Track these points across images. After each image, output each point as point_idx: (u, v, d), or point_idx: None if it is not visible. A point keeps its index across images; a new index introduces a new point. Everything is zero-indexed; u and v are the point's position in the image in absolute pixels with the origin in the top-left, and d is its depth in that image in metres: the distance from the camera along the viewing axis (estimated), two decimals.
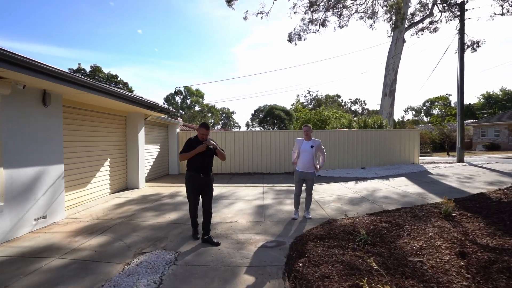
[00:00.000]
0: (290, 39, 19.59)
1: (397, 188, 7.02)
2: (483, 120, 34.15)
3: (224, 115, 67.87)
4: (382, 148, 11.03)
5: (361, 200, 5.95)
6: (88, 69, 29.48)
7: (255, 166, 10.84)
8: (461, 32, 11.68)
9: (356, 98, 64.47)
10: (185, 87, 61.33)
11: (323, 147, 4.77)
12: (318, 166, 4.66)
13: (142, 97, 6.84)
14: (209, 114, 63.18)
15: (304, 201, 4.91)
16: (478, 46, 16.17)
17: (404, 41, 15.67)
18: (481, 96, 55.82)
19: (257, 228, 4.25)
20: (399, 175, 8.98)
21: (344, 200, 5.96)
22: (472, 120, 38.70)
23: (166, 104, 59.00)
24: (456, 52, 16.02)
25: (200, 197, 3.86)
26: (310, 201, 4.82)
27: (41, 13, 60.21)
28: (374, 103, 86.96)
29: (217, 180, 8.93)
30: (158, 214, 5.03)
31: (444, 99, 52.33)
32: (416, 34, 18.71)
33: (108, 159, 6.69)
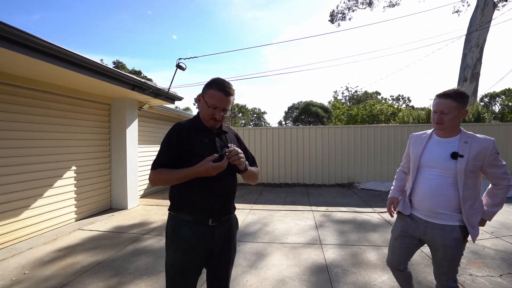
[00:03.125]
0: (333, 19, 16.40)
1: None
2: None
3: (255, 115, 65.89)
4: None
5: None
6: (111, 66, 28.90)
7: (294, 174, 7.98)
8: None
9: (399, 95, 58.07)
10: None
11: (503, 164, 1.53)
12: (485, 210, 1.58)
13: (130, 76, 4.43)
14: (239, 114, 61.58)
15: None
16: None
17: (495, 5, 11.65)
18: None
19: None
20: None
21: None
22: None
23: (196, 105, 58.77)
24: None
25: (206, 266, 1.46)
26: None
27: (84, 23, 63.46)
28: (419, 100, 78.07)
29: (240, 196, 6.24)
30: (112, 287, 2.46)
31: None
32: (495, 5, 14.16)
33: (74, 167, 4.35)
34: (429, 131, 1.72)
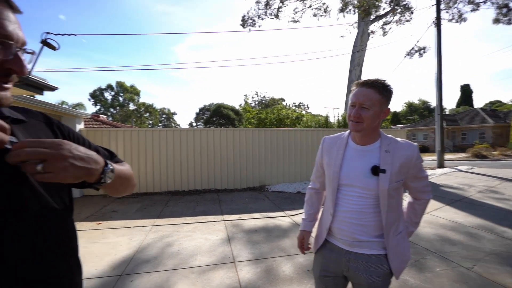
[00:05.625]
0: (244, 23, 16.75)
1: (433, 214, 4.62)
2: (414, 124, 37.45)
3: (164, 116, 61.67)
4: None
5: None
6: None
7: (204, 179, 7.43)
8: (438, 27, 10.50)
9: (300, 102, 65.96)
10: (117, 82, 53.58)
11: (426, 175, 1.28)
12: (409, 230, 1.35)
13: None
14: (146, 114, 56.21)
15: None
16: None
17: (369, 34, 14.36)
18: (405, 105, 63.32)
19: None
20: None
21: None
22: (401, 125, 42.56)
23: (92, 101, 50.07)
24: (416, 53, 15.46)
25: None
26: None
27: None
28: (316, 108, 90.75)
29: (141, 210, 5.26)
30: None
31: None
32: (382, 27, 17.44)
33: None
34: (345, 134, 1.32)
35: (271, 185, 7.62)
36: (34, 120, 0.69)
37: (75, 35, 4.64)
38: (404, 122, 52.51)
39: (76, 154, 0.54)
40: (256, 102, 49.53)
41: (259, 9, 16.72)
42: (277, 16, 18.37)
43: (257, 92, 49.26)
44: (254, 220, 4.61)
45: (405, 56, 16.05)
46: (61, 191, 0.66)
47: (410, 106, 62.67)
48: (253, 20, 16.72)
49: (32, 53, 0.58)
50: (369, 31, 14.74)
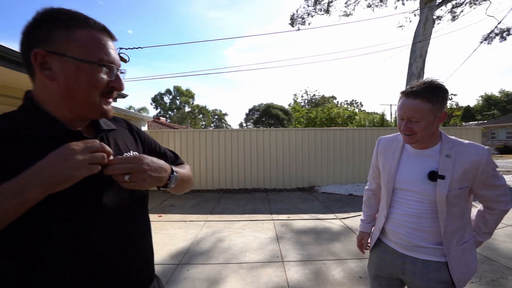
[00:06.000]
0: (293, 22, 16.53)
1: None
2: (494, 121, 32.18)
3: (216, 117, 65.02)
4: None
5: None
6: None
7: (254, 179, 7.60)
8: None
9: (352, 100, 62.37)
10: (174, 87, 58.28)
11: (502, 183, 1.08)
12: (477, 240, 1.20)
13: None
14: (200, 116, 60.05)
15: None
16: None
17: (435, 20, 12.82)
18: (480, 98, 54.60)
19: None
20: None
21: None
22: (476, 122, 36.97)
23: (153, 105, 55.73)
24: (497, 37, 13.22)
25: None
26: None
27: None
28: (371, 105, 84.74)
29: (196, 206, 5.65)
30: None
31: None
32: (451, 11, 15.15)
33: None
34: (393, 135, 1.29)
35: (320, 186, 7.40)
36: (121, 127, 0.83)
37: (141, 48, 5.23)
38: (480, 119, 45.28)
39: (152, 166, 0.67)
40: (306, 101, 48.59)
41: (308, 6, 16.34)
42: (327, 11, 17.69)
43: (306, 91, 48.29)
44: (303, 221, 4.55)
45: (481, 42, 13.79)
46: (139, 190, 0.79)
47: (488, 99, 53.75)
48: (303, 18, 16.39)
49: (124, 72, 0.71)
50: (434, 17, 13.17)
